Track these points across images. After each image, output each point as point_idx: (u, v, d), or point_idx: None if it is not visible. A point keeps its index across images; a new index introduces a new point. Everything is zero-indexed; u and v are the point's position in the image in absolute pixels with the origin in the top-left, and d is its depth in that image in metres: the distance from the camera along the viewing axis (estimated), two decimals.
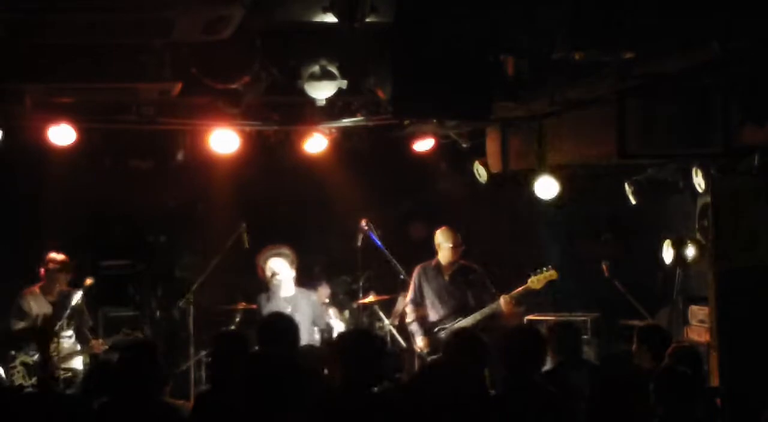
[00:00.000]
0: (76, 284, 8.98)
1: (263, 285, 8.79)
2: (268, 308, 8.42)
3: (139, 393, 5.24)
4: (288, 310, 8.30)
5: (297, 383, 4.75)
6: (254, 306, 9.11)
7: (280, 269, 8.65)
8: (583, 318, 9.76)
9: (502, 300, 8.76)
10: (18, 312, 8.85)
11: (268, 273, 8.64)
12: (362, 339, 5.29)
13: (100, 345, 8.87)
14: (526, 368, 5.48)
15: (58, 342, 8.63)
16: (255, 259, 8.85)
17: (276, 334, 6.18)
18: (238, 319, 9.36)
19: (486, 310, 8.84)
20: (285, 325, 6.32)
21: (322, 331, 8.77)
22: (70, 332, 8.92)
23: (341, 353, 5.10)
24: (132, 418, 5.19)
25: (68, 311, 8.76)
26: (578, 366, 6.51)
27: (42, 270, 9.00)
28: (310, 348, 8.01)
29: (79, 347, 8.94)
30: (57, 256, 9.02)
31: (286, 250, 8.75)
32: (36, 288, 8.98)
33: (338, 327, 9.43)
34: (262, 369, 4.77)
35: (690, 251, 8.60)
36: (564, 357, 6.54)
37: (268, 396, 4.64)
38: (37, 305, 8.87)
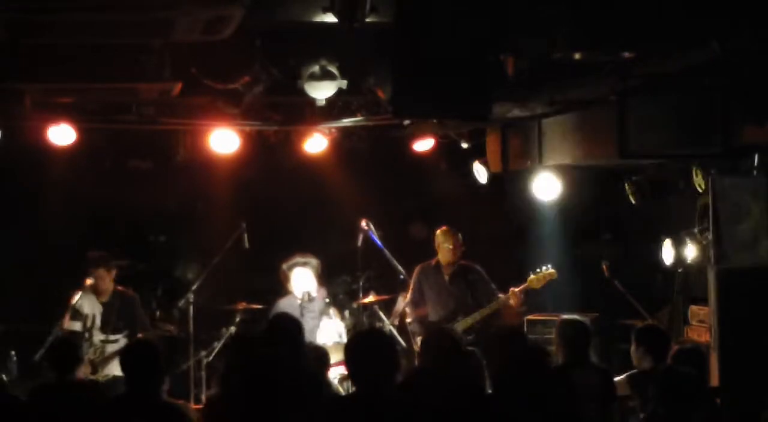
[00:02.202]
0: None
1: (283, 290, 8.86)
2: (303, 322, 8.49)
3: (141, 392, 5.25)
4: (312, 322, 8.41)
5: (298, 384, 4.74)
6: (256, 306, 9.12)
7: (308, 280, 8.76)
8: (583, 318, 9.75)
9: (511, 294, 8.78)
10: (72, 313, 8.50)
11: (296, 286, 8.73)
12: (376, 339, 5.24)
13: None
14: (520, 368, 5.47)
15: (102, 346, 8.47)
16: (279, 264, 8.97)
17: (282, 335, 6.19)
18: (238, 319, 9.35)
19: (486, 309, 8.85)
20: (290, 326, 6.33)
21: None
22: (118, 336, 8.59)
23: (353, 353, 5.05)
24: (134, 417, 5.21)
25: (109, 312, 8.57)
26: (585, 365, 6.44)
27: (87, 270, 8.64)
28: (315, 348, 8.02)
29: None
30: (92, 253, 8.72)
31: (312, 260, 8.87)
32: (87, 288, 8.58)
33: (338, 327, 9.43)
34: (262, 370, 4.76)
35: (690, 251, 8.59)
36: (570, 356, 6.50)
37: (268, 397, 4.63)
38: (89, 305, 8.56)
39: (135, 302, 8.84)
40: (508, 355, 5.39)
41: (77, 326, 8.52)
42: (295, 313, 8.56)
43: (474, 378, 5.95)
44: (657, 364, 6.35)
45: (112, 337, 8.54)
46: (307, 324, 8.39)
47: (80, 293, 8.54)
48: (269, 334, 6.42)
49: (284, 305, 8.74)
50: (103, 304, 8.64)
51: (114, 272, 8.75)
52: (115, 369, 8.45)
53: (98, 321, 8.55)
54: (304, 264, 8.91)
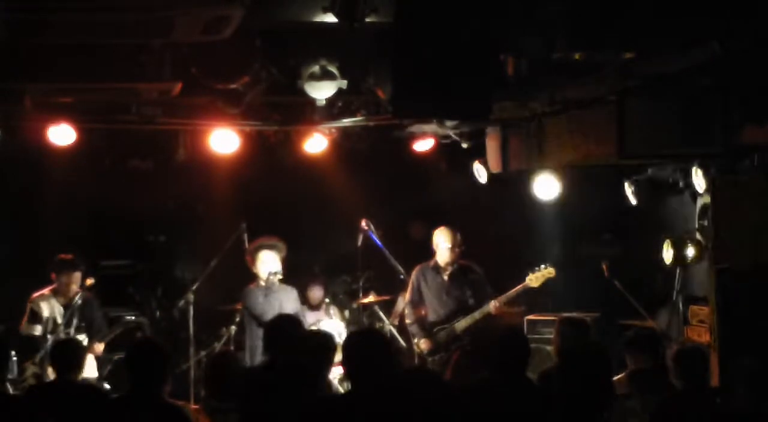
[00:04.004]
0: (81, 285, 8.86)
1: (250, 277, 8.80)
2: (266, 303, 8.43)
3: (143, 392, 5.26)
4: (277, 304, 8.35)
5: (295, 386, 4.75)
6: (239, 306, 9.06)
7: (273, 263, 8.65)
8: (583, 316, 9.75)
9: (492, 305, 8.76)
10: (30, 316, 8.60)
11: (262, 269, 8.64)
12: (371, 338, 5.26)
13: (98, 349, 8.64)
14: (517, 367, 5.48)
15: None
16: (246, 249, 8.85)
17: (283, 336, 6.19)
18: (238, 319, 9.35)
19: (485, 310, 8.85)
20: (291, 327, 6.33)
21: None
22: (80, 337, 8.50)
23: (349, 352, 5.07)
24: (136, 416, 5.21)
25: (71, 313, 8.57)
26: None
27: (52, 273, 8.70)
28: (318, 334, 8.00)
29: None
30: (62, 256, 8.75)
31: (278, 243, 8.76)
32: (47, 291, 8.69)
33: (338, 327, 9.43)
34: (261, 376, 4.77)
35: (690, 251, 8.59)
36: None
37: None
38: (48, 308, 8.60)
39: (94, 303, 8.85)
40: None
41: (37, 330, 8.57)
42: (259, 298, 8.57)
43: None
44: (656, 362, 6.36)
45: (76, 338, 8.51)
46: (272, 307, 8.29)
47: (38, 296, 8.63)
48: (268, 336, 6.42)
49: (249, 292, 8.69)
50: (64, 306, 8.66)
51: (80, 275, 8.75)
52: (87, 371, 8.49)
53: (61, 323, 8.56)
54: (272, 246, 8.74)
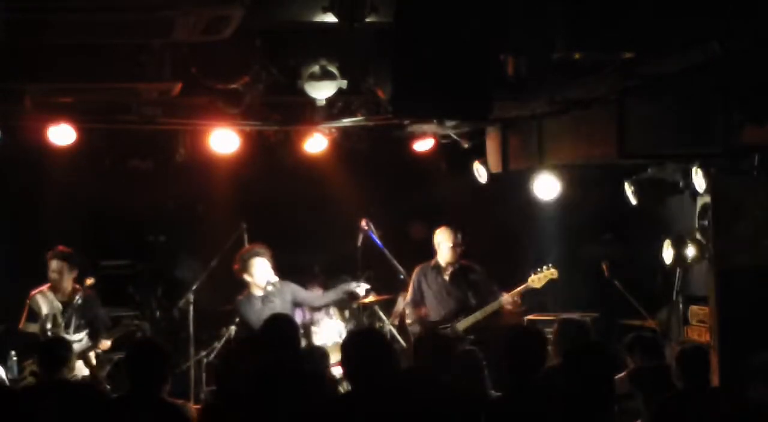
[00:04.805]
0: (79, 283, 8.85)
1: (241, 288, 8.77)
2: (263, 312, 8.38)
3: (143, 392, 5.26)
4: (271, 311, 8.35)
5: (297, 385, 4.76)
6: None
7: (268, 269, 8.64)
8: (582, 318, 9.74)
9: (504, 298, 8.78)
10: (29, 314, 8.62)
11: (259, 276, 8.61)
12: (371, 338, 5.26)
13: (105, 345, 8.64)
14: (526, 368, 5.48)
15: None
16: (235, 260, 8.82)
17: (279, 336, 6.19)
18: (237, 319, 9.34)
19: (487, 309, 8.85)
20: (287, 327, 6.33)
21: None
22: (80, 335, 8.60)
23: (348, 352, 5.07)
24: (136, 416, 5.21)
25: (72, 312, 8.57)
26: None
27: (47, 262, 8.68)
28: (310, 349, 8.01)
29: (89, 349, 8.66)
30: (59, 250, 8.74)
31: (264, 249, 8.75)
32: (45, 288, 8.69)
33: (338, 327, 9.43)
34: (263, 373, 4.77)
35: (690, 251, 8.58)
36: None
37: (269, 399, 4.64)
38: (47, 305, 8.62)
39: (95, 301, 8.84)
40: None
41: (34, 328, 8.57)
42: (257, 306, 8.54)
43: (470, 379, 5.97)
44: (657, 362, 6.37)
45: (75, 337, 8.49)
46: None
47: (37, 292, 8.63)
48: (265, 336, 6.41)
49: (243, 303, 8.67)
50: (63, 303, 8.66)
51: (76, 270, 8.75)
52: (81, 370, 8.45)
53: (61, 321, 8.55)
54: (263, 253, 8.72)
